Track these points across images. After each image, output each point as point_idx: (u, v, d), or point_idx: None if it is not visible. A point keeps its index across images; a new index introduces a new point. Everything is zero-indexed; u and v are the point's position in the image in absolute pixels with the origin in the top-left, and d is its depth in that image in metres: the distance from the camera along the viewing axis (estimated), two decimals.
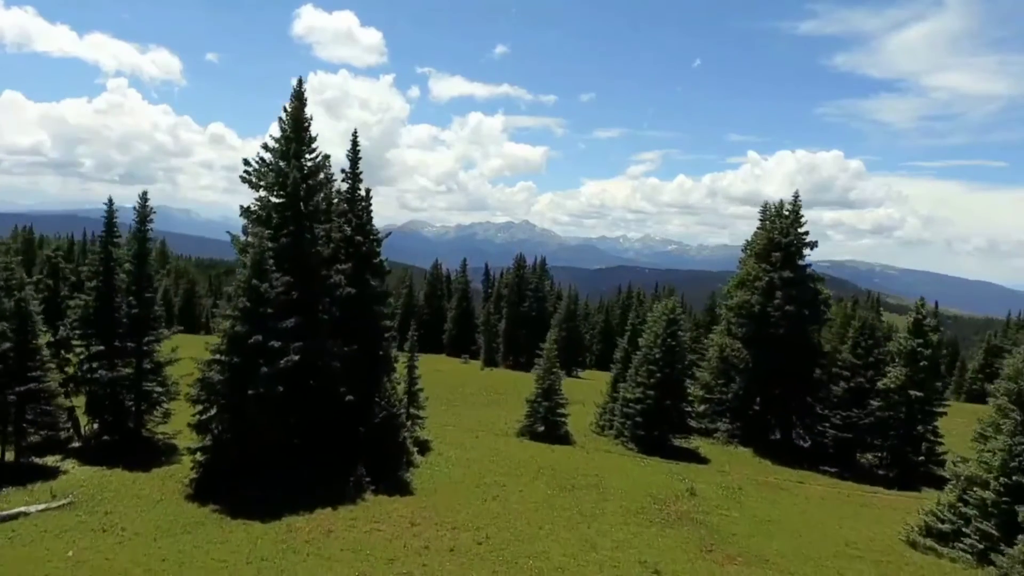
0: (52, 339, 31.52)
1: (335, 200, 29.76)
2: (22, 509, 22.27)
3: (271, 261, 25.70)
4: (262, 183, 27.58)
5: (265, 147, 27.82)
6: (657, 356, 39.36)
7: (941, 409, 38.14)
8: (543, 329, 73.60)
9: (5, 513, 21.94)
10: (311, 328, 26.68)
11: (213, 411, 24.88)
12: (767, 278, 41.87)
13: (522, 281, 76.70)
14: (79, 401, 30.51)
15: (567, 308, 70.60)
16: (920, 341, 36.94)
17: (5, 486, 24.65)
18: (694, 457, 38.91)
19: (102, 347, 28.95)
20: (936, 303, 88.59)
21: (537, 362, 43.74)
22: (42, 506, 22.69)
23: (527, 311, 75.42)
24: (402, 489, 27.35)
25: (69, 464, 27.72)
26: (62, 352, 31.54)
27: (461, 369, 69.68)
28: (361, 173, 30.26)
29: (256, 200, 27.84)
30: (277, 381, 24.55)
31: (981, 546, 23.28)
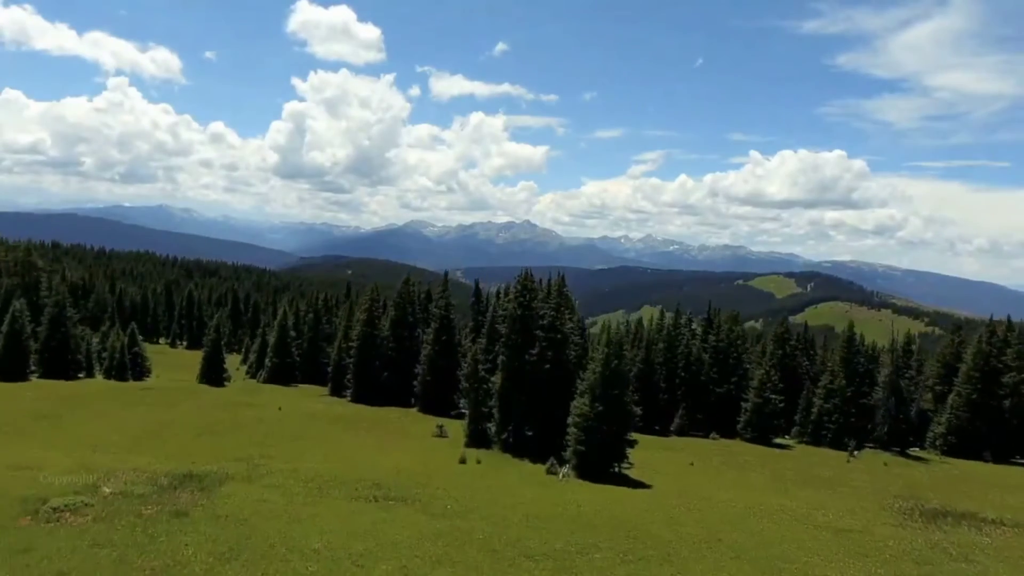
0: None
1: None
2: None
3: None
4: None
5: None
6: None
7: None
8: (563, 391, 43.59)
9: None
10: None
11: None
12: None
13: (529, 314, 46.01)
14: None
15: (606, 364, 39.25)
16: None
17: None
18: None
19: None
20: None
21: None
22: None
23: (536, 361, 44.71)
24: None
25: None
26: None
27: (428, 461, 38.90)
28: None
29: None
30: None
31: None
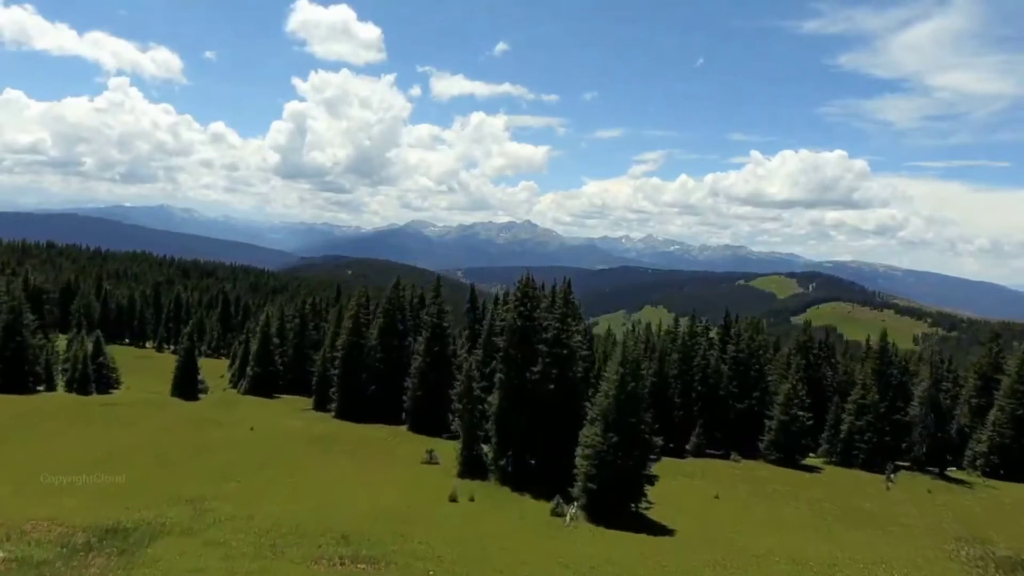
0: None
1: None
2: None
3: None
4: None
5: None
6: None
7: None
8: (570, 413, 38.30)
9: None
10: None
11: None
12: None
13: (531, 325, 40.53)
14: None
15: (621, 387, 33.82)
16: None
17: None
18: None
19: None
20: None
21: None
22: None
23: (539, 379, 39.21)
24: None
25: None
26: None
27: (413, 498, 33.27)
28: None
29: None
30: None
31: None
